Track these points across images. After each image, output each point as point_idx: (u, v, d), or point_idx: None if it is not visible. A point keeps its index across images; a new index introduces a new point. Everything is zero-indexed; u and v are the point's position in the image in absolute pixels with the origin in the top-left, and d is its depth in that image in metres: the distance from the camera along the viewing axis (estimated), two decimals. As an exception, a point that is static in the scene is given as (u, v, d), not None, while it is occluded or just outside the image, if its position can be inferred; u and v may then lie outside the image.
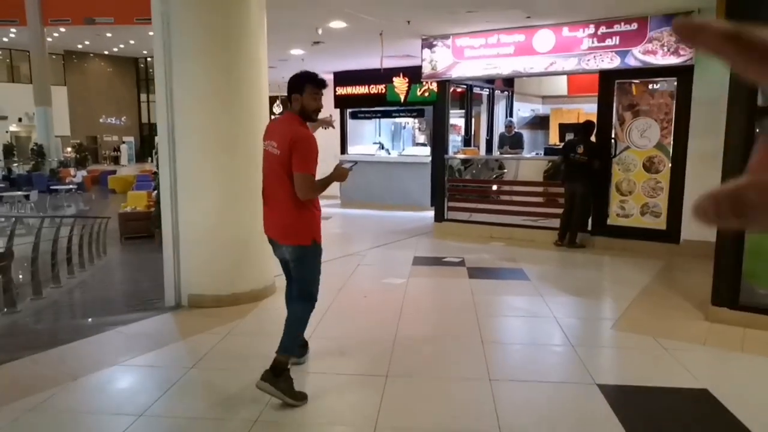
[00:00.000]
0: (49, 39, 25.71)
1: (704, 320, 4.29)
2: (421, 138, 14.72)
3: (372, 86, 12.48)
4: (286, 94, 3.19)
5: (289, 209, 2.99)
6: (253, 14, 4.83)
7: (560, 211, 7.48)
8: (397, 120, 13.98)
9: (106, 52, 30.96)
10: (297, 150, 2.91)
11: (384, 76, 12.18)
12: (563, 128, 7.95)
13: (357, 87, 12.67)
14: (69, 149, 27.74)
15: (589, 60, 7.15)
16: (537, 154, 8.35)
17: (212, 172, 4.71)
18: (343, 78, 12.89)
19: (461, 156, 8.47)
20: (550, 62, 7.41)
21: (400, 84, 12.14)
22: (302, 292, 3.13)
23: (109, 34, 26.35)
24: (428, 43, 8.31)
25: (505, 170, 8.63)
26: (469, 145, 9.36)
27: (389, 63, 11.44)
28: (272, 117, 19.71)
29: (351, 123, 12.93)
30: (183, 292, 4.83)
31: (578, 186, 7.19)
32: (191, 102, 4.68)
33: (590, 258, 6.78)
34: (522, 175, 8.32)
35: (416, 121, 14.20)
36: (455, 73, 8.12)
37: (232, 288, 4.78)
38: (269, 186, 3.10)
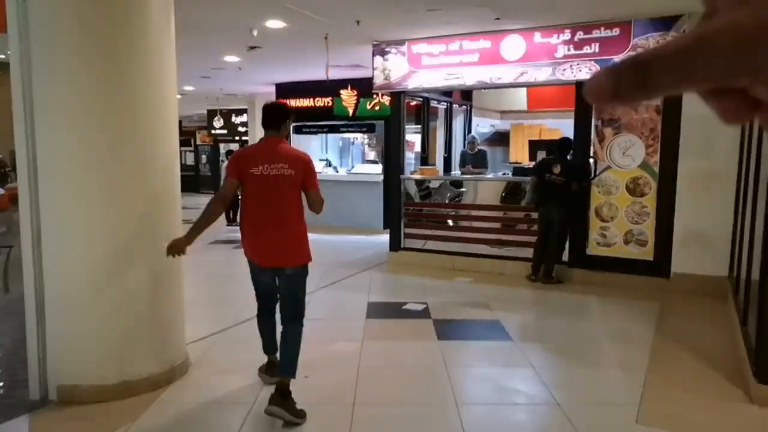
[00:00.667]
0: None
1: (749, 402, 3.25)
2: (371, 154, 13.59)
3: (318, 99, 11.24)
4: (262, 117, 3.23)
5: (299, 229, 3.14)
6: (154, 16, 3.50)
7: (532, 239, 6.46)
8: (345, 135, 12.79)
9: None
10: (311, 170, 3.11)
11: (330, 88, 10.95)
12: (534, 146, 6.98)
13: (301, 99, 11.40)
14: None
15: (564, 69, 6.16)
16: (504, 174, 7.34)
17: (92, 214, 3.34)
18: (286, 90, 11.60)
19: (419, 177, 7.35)
20: (520, 72, 6.39)
21: (348, 97, 10.94)
22: (300, 311, 3.23)
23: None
24: (380, 50, 7.16)
25: (464, 189, 7.53)
26: (427, 164, 8.26)
27: (336, 74, 10.22)
28: (212, 132, 18.00)
29: (295, 138, 11.61)
30: (51, 382, 3.42)
31: (555, 211, 6.17)
32: (59, 126, 3.30)
33: (572, 299, 5.73)
34: (483, 198, 7.23)
35: (365, 136, 13.06)
36: (412, 84, 7.00)
37: (121, 373, 3.40)
38: (276, 209, 3.06)
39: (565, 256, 6.41)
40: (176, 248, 3.06)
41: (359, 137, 13.12)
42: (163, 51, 3.62)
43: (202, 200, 15.23)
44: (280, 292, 3.22)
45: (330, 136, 12.63)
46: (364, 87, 10.72)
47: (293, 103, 11.49)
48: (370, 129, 10.96)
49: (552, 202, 6.20)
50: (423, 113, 8.30)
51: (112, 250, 3.38)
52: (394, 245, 7.37)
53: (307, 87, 11.26)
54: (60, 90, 3.26)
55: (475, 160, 7.72)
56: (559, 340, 4.47)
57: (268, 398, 2.99)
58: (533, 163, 6.89)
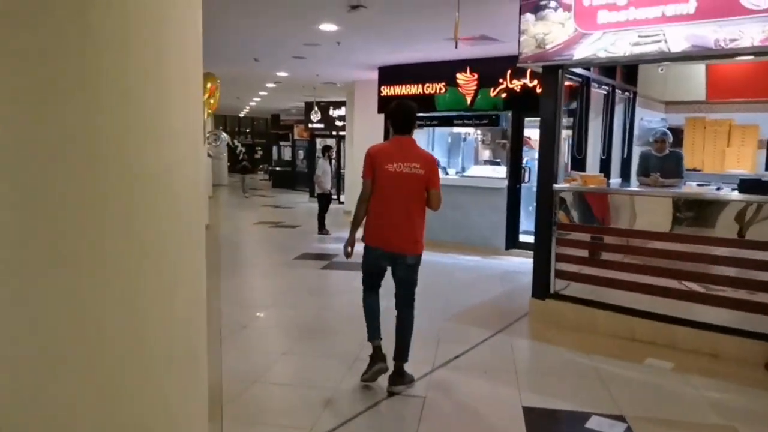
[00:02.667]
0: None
1: None
2: (486, 153, 11.22)
3: (427, 84, 9.08)
4: (385, 115, 3.55)
5: (422, 222, 3.36)
6: None
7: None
8: (456, 130, 10.49)
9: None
10: (436, 171, 3.36)
11: (442, 71, 8.81)
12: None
13: (408, 86, 9.29)
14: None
15: None
16: (719, 188, 4.70)
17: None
18: (390, 74, 9.56)
19: (579, 187, 4.93)
20: (776, 26, 3.81)
21: (465, 81, 8.68)
22: (413, 297, 3.41)
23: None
24: (532, 4, 4.83)
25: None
26: (583, 168, 5.80)
27: (452, 53, 8.02)
28: (309, 126, 16.49)
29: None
30: None
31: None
32: None
33: None
34: (650, 222, 4.59)
35: (478, 132, 10.71)
36: (580, 52, 4.59)
37: None
38: (406, 202, 3.27)
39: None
40: (347, 254, 3.45)
41: (471, 133, 10.77)
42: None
43: (298, 198, 13.68)
44: (398, 280, 3.38)
45: (437, 131, 10.40)
46: (487, 68, 8.46)
47: (397, 90, 9.44)
48: (492, 122, 8.61)
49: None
50: (581, 99, 5.84)
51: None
52: (540, 290, 5.01)
53: (414, 71, 9.14)
54: None
55: (663, 166, 5.14)
56: None
57: (388, 380, 3.33)
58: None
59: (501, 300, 5.67)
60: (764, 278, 4.02)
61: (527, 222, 8.60)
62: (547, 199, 5.01)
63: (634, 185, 6.29)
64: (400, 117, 3.32)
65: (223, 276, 6.53)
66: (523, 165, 8.41)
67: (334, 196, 13.98)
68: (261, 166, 26.40)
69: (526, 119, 8.31)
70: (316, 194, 10.39)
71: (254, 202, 15.95)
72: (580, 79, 5.74)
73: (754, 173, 7.29)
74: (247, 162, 17.87)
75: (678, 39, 4.16)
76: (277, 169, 21.74)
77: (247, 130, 33.55)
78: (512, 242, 8.22)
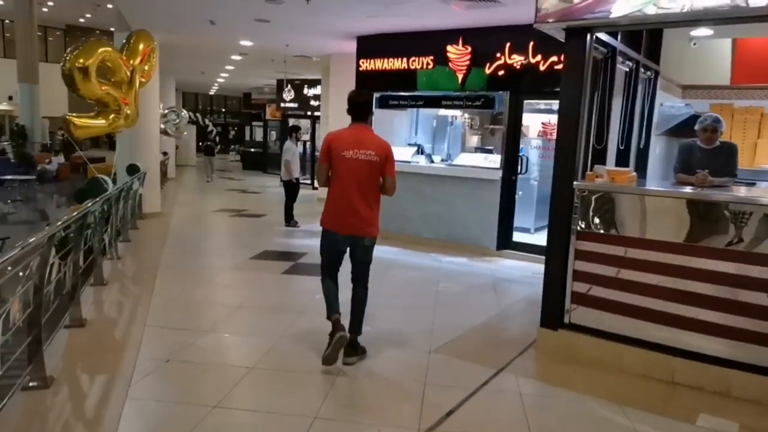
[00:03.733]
0: (45, 9, 22.10)
1: None
2: (473, 140, 10.09)
3: (413, 59, 7.82)
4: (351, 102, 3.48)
5: (377, 206, 3.51)
6: None
7: None
8: (442, 112, 9.29)
9: (112, 29, 26.84)
10: (392, 158, 3.47)
11: (432, 42, 7.57)
12: None
13: (391, 59, 8.02)
14: (61, 132, 23.74)
15: None
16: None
17: None
18: (370, 45, 8.27)
19: (605, 184, 3.78)
20: None
21: (457, 55, 7.45)
22: (367, 275, 3.61)
23: (110, 6, 22.18)
24: (557, -56, 3.63)
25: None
26: (603, 160, 4.67)
27: (444, 21, 6.82)
28: (281, 105, 15.19)
29: (378, 114, 8.28)
30: None
31: None
32: None
33: None
34: (656, 231, 3.48)
35: (465, 115, 9.55)
36: (618, 9, 3.42)
37: None
38: (361, 189, 3.41)
39: None
40: None
41: (459, 116, 9.59)
42: None
43: (268, 182, 11.95)
44: (355, 260, 3.55)
45: (422, 112, 9.18)
46: (483, 41, 7.25)
47: (378, 64, 8.17)
48: (487, 104, 7.41)
49: None
50: (604, 76, 4.69)
51: None
52: (551, 318, 3.87)
53: (398, 41, 7.88)
54: None
55: (712, 161, 4.02)
56: None
57: (343, 352, 3.42)
58: None
59: (498, 322, 4.53)
60: None
61: (521, 218, 7.52)
62: (565, 199, 3.86)
63: (652, 182, 5.19)
64: (354, 107, 3.46)
65: (159, 282, 5.26)
66: (520, 154, 7.30)
67: (307, 181, 12.74)
68: (232, 146, 24.87)
69: (525, 101, 7.18)
70: (282, 180, 9.12)
71: (219, 186, 14.56)
72: (605, 50, 4.57)
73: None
74: (212, 142, 16.39)
75: (756, -11, 3.02)
76: (250, 150, 20.31)
77: (222, 109, 31.86)
78: (504, 242, 7.11)
